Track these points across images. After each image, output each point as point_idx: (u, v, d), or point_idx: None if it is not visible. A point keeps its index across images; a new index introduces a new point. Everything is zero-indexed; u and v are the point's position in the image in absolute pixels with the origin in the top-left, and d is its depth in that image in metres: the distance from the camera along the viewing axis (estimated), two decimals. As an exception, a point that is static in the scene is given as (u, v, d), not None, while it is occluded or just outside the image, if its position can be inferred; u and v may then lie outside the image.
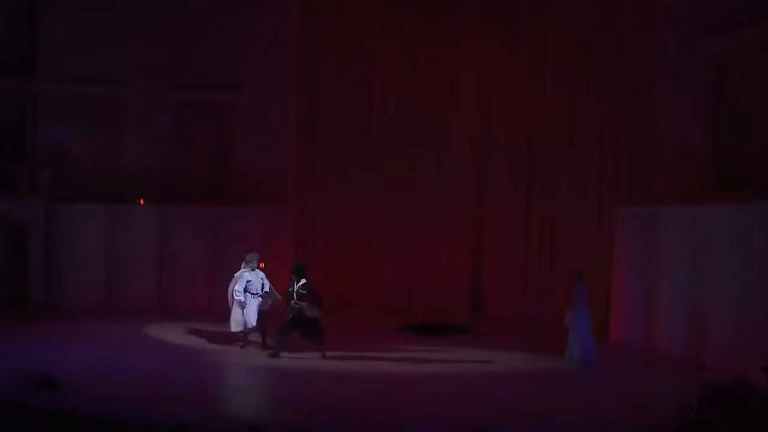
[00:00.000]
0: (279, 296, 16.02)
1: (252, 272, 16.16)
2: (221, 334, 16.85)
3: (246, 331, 16.15)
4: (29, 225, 20.95)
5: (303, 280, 15.46)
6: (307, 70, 23.15)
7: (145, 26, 21.93)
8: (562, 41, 20.27)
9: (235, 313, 16.12)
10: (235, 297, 15.99)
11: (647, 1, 18.01)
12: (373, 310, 21.68)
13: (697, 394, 9.09)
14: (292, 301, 15.36)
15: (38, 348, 15.46)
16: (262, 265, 16.52)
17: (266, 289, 16.18)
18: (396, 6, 22.92)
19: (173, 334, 17.65)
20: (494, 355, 16.08)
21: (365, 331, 18.72)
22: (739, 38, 15.98)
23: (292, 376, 14.30)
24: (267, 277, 16.36)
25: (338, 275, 22.49)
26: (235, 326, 16.19)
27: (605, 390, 13.57)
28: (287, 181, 22.82)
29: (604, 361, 15.80)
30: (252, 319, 16.03)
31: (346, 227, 22.87)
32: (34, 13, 21.85)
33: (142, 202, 21.80)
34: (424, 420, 11.46)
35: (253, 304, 16.01)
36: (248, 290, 16.01)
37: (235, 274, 16.33)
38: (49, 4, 21.94)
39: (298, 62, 23.07)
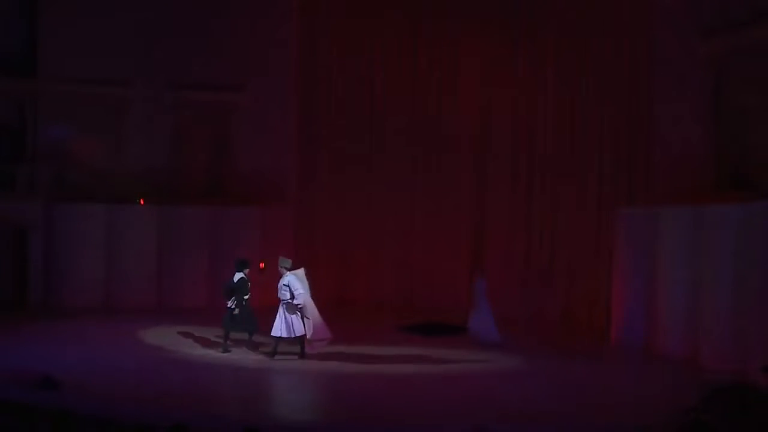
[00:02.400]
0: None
1: (284, 277, 15.15)
2: (221, 333, 16.83)
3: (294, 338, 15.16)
4: (29, 225, 20.94)
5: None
6: (307, 70, 23.18)
7: (145, 26, 21.89)
8: (562, 41, 20.26)
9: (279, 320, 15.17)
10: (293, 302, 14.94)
11: (647, 1, 18.00)
12: (374, 310, 21.69)
13: (697, 394, 9.07)
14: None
15: (38, 348, 15.45)
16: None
17: (297, 296, 14.88)
18: (396, 6, 22.94)
19: (173, 334, 17.63)
20: (494, 355, 16.06)
21: (365, 331, 18.70)
22: (739, 38, 15.96)
23: (290, 377, 14.33)
24: (307, 277, 15.38)
25: (339, 275, 22.52)
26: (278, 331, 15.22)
27: (605, 390, 13.55)
28: (287, 181, 22.84)
29: (606, 361, 15.81)
30: (294, 328, 14.94)
31: (346, 227, 22.91)
32: (34, 13, 21.84)
33: (142, 202, 21.78)
34: (423, 420, 11.46)
35: (282, 311, 15.01)
36: (280, 297, 15.06)
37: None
38: (49, 4, 21.92)
39: (298, 62, 23.09)
